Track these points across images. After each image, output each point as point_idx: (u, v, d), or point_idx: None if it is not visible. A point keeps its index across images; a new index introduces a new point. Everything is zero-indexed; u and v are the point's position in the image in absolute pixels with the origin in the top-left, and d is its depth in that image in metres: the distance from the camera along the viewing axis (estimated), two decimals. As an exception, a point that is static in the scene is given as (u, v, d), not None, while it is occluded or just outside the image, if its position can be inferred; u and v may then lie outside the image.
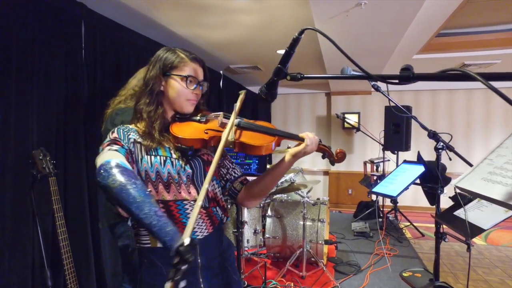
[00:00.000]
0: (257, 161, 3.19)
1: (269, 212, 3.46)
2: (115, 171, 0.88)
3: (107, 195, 1.00)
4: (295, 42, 0.91)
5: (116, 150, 0.97)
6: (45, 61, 2.07)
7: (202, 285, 1.08)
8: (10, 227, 1.83)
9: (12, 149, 1.85)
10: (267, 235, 3.36)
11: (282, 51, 0.94)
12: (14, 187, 1.86)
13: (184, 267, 0.77)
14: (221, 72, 4.98)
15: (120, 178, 0.87)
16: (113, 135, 1.04)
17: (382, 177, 4.10)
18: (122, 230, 1.82)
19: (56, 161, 1.87)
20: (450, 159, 1.93)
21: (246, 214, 3.31)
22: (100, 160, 0.92)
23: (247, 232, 3.33)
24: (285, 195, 3.86)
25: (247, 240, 3.33)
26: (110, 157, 0.92)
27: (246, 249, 3.29)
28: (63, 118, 2.20)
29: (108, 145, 0.99)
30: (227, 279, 1.17)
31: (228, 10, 2.68)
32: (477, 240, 4.31)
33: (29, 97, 1.95)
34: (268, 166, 4.09)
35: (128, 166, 0.93)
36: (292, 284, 2.93)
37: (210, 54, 3.98)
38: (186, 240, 0.79)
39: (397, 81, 0.74)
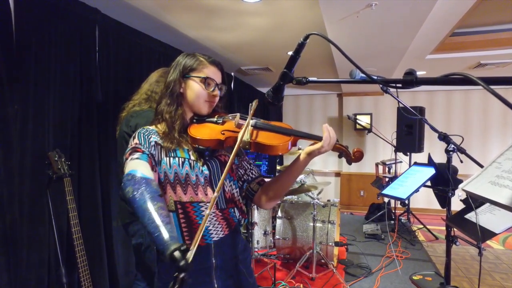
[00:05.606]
0: (267, 163, 3.20)
1: (279, 214, 3.47)
2: (129, 182, 0.94)
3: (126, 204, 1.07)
4: (300, 47, 0.92)
5: (137, 158, 1.01)
6: (61, 64, 2.13)
7: (216, 285, 1.11)
8: (27, 226, 1.90)
9: (29, 151, 1.91)
10: (277, 236, 3.37)
11: (292, 53, 0.95)
12: (31, 187, 1.92)
13: (181, 276, 0.77)
14: (232, 74, 5.01)
15: (129, 187, 0.93)
16: (134, 141, 1.07)
17: (394, 178, 4.05)
18: (135, 228, 1.85)
19: (70, 162, 1.93)
20: (461, 161, 1.89)
21: (256, 215, 3.33)
22: (125, 172, 0.99)
23: (257, 233, 3.35)
24: (295, 197, 3.87)
25: (257, 241, 3.35)
26: (131, 168, 0.98)
27: (256, 250, 3.31)
28: (77, 120, 2.27)
29: (130, 154, 1.03)
30: (241, 281, 1.18)
31: (238, 13, 2.70)
32: (494, 245, 4.20)
33: (45, 100, 2.02)
34: (278, 167, 4.10)
35: (145, 174, 0.97)
36: (301, 286, 2.93)
37: (221, 56, 4.02)
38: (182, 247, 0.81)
39: (400, 85, 0.75)
